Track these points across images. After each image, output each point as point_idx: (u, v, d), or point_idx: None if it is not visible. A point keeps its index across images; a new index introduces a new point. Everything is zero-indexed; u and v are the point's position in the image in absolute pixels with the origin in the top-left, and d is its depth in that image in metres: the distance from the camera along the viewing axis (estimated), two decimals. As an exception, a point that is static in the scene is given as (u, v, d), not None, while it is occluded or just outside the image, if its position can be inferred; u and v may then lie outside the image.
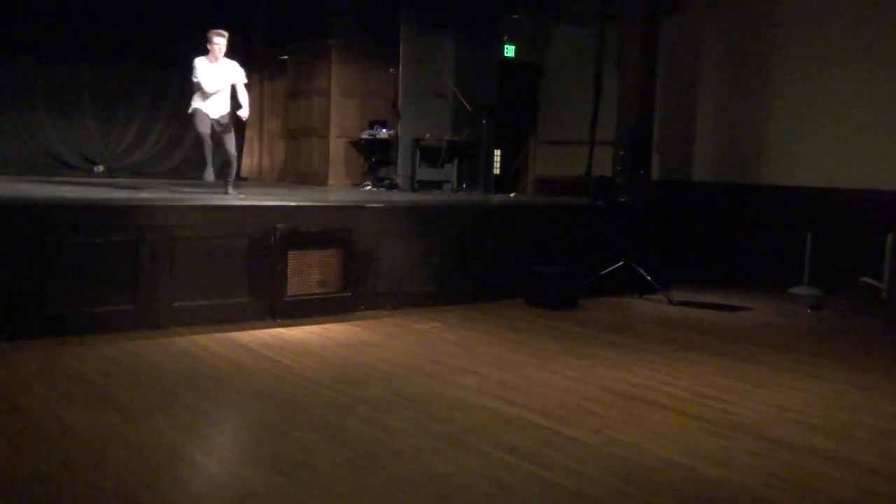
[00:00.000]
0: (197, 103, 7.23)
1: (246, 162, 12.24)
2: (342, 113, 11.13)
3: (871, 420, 4.32)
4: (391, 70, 10.33)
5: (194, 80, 7.19)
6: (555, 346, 5.84)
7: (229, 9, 11.44)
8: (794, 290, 8.37)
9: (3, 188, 6.76)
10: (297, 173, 11.80)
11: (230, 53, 7.32)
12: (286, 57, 11.88)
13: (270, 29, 11.99)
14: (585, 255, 7.94)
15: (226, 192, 7.23)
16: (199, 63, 7.20)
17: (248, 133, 12.19)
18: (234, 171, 7.59)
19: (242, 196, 7.05)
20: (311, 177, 11.40)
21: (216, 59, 7.21)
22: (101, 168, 10.37)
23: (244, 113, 7.49)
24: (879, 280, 7.52)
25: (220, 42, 7.18)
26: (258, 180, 12.14)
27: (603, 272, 7.84)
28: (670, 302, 7.74)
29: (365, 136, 10.71)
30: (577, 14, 11.21)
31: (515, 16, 11.50)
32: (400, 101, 10.03)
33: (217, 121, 7.31)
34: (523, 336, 6.15)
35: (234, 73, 7.33)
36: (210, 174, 7.36)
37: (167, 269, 5.85)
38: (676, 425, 4.10)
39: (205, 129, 7.24)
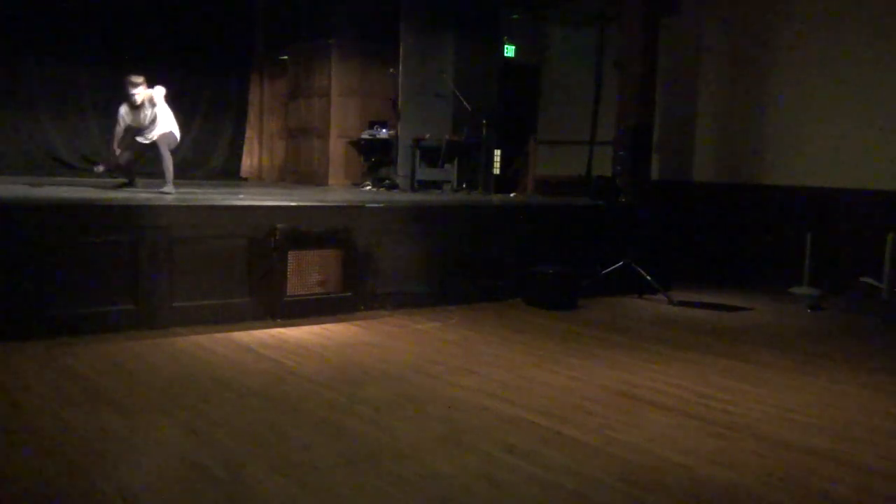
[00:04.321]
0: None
1: (246, 162, 12.25)
2: (342, 113, 11.13)
3: (871, 420, 4.32)
4: (391, 70, 10.32)
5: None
6: (555, 346, 5.84)
7: (229, 9, 11.45)
8: (794, 290, 8.36)
9: (3, 188, 6.76)
10: (297, 173, 11.79)
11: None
12: (286, 57, 11.87)
13: (270, 29, 11.99)
14: (585, 255, 7.94)
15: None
16: (123, 111, 7.49)
17: (249, 133, 12.19)
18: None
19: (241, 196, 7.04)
20: (311, 177, 11.39)
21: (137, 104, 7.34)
22: (101, 168, 10.35)
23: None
24: (879, 280, 7.51)
25: (135, 92, 7.30)
26: (258, 180, 12.13)
27: (603, 272, 7.85)
28: (670, 302, 7.74)
29: (365, 136, 10.70)
30: (577, 14, 11.21)
31: (515, 16, 11.50)
32: (400, 101, 10.02)
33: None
34: (523, 336, 6.15)
35: (155, 96, 7.42)
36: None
37: (167, 269, 5.85)
38: (676, 425, 4.10)
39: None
